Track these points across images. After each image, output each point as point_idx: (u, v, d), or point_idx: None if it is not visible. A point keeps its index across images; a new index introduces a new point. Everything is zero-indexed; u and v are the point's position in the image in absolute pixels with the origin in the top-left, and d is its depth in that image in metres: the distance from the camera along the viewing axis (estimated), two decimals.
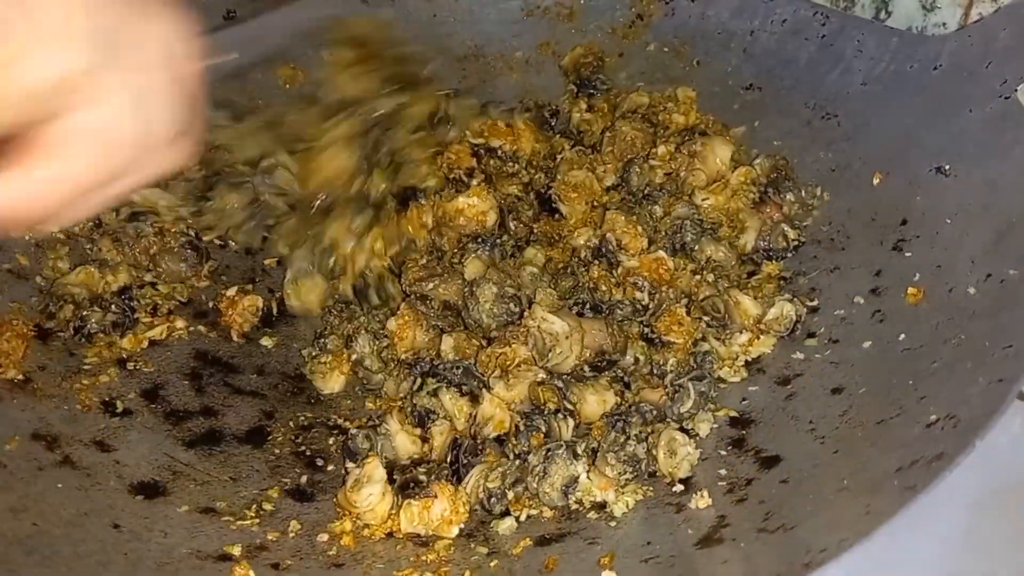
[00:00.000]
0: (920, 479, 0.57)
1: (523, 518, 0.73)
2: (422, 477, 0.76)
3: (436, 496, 0.72)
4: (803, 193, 0.95)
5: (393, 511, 0.73)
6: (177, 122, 0.40)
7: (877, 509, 0.57)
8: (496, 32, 1.19)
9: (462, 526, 0.72)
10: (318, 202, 0.84)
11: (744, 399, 0.80)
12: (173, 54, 0.39)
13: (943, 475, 0.56)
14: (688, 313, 0.85)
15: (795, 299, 0.85)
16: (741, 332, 0.85)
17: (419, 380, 0.82)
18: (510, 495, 0.74)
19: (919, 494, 0.56)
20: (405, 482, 0.75)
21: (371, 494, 0.72)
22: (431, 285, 0.88)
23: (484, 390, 0.79)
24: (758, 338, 0.84)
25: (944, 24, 0.98)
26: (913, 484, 0.57)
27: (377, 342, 0.87)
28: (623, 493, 0.72)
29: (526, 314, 0.82)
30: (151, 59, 0.38)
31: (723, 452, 0.75)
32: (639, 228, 0.91)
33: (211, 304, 0.92)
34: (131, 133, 0.37)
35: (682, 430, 0.76)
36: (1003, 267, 0.73)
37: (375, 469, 0.74)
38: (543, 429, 0.76)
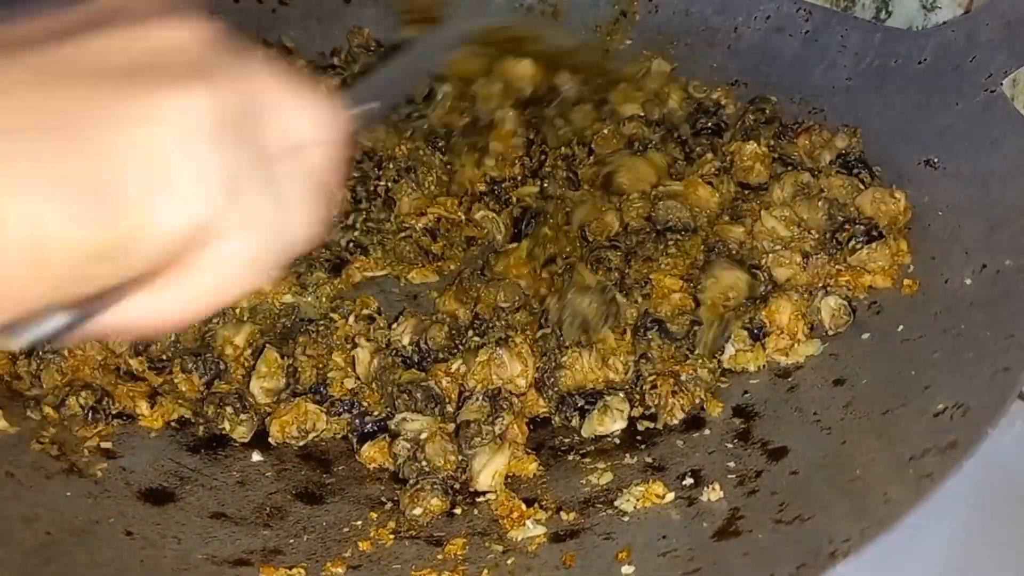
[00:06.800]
0: (936, 468, 0.58)
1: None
2: None
3: None
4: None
5: None
6: (312, 220, 0.40)
7: (896, 498, 0.58)
8: None
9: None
10: None
11: (746, 391, 0.81)
12: (307, 143, 0.38)
13: (959, 463, 0.57)
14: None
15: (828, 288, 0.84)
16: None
17: None
18: None
19: (937, 482, 0.57)
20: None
21: None
22: None
23: None
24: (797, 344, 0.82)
25: (945, 24, 0.98)
26: (929, 472, 0.58)
27: None
28: (629, 487, 0.73)
29: None
30: (284, 171, 0.37)
31: (729, 445, 0.75)
32: None
33: None
34: (271, 249, 0.37)
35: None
36: (998, 258, 0.74)
37: None
38: None
